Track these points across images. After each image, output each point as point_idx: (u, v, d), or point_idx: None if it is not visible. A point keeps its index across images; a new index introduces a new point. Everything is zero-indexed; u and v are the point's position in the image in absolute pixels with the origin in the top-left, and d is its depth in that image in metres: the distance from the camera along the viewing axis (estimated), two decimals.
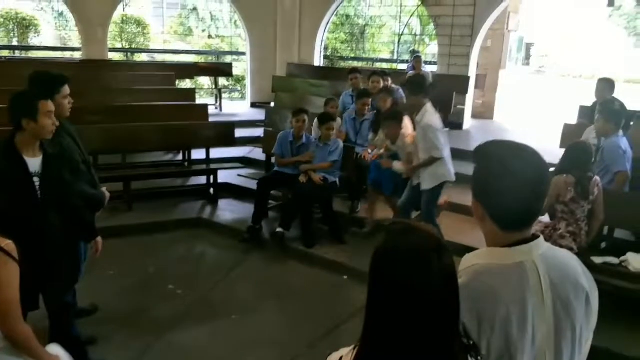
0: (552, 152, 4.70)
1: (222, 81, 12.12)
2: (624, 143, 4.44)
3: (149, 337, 3.81)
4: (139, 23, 15.59)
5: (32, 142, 2.80)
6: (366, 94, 6.15)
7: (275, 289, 4.73)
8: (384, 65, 12.88)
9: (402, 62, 12.72)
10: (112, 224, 5.42)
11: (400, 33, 13.58)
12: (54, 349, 2.30)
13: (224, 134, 6.99)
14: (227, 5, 14.20)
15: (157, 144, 6.90)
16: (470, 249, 1.48)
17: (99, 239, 3.28)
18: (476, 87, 10.28)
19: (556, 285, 1.33)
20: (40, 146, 2.86)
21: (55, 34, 15.63)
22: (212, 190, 6.68)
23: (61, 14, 14.99)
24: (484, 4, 8.91)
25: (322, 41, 11.83)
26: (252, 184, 6.07)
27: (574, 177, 3.77)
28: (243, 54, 13.29)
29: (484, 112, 11.09)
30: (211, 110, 8.90)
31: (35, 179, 2.79)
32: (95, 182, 3.68)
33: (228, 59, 13.85)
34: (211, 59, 14.35)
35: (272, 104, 9.88)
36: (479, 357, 1.20)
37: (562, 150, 4.20)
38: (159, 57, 14.70)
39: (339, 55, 14.83)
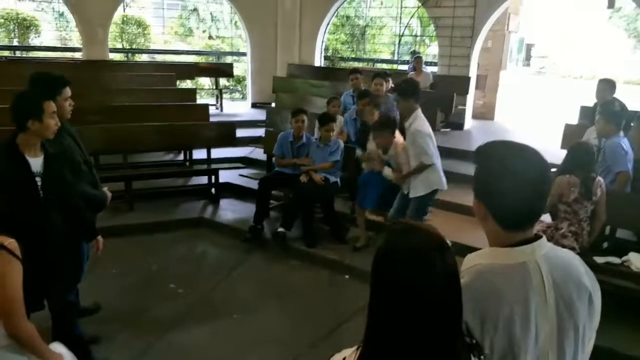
0: (553, 152, 4.71)
1: (223, 81, 12.13)
2: (625, 143, 4.45)
3: (150, 336, 3.82)
4: (139, 24, 15.60)
5: (34, 142, 2.81)
6: (367, 94, 6.15)
7: (277, 288, 4.74)
8: (384, 66, 12.89)
9: (403, 62, 12.73)
10: (113, 223, 5.43)
11: (401, 34, 13.59)
12: (57, 347, 2.31)
13: (225, 134, 7.00)
14: (227, 6, 14.20)
15: (158, 144, 6.90)
16: (471, 249, 1.48)
17: (100, 238, 3.29)
18: (477, 87, 10.29)
19: (559, 284, 1.34)
20: (42, 146, 2.87)
21: (56, 34, 15.62)
22: (213, 190, 6.69)
23: (61, 15, 14.98)
24: (484, 5, 8.91)
25: (322, 42, 11.83)
26: (254, 184, 6.07)
27: (578, 178, 3.78)
28: (243, 54, 13.29)
29: (485, 113, 11.10)
30: (212, 110, 8.90)
31: (38, 179, 2.80)
32: (97, 182, 3.68)
33: (228, 59, 13.86)
34: (212, 59, 14.35)
35: (273, 105, 9.88)
36: (482, 356, 1.20)
37: (563, 151, 4.21)
38: (160, 58, 14.69)
39: (339, 55, 14.84)
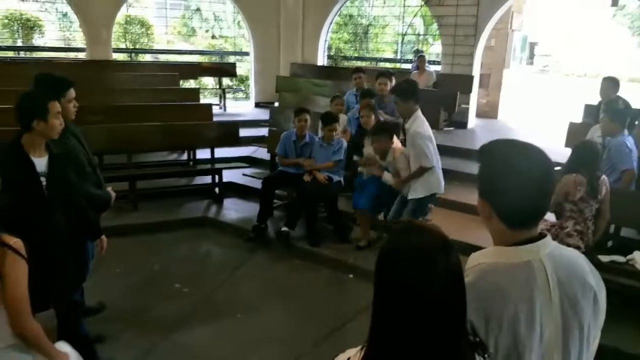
0: (557, 151, 4.70)
1: (226, 81, 12.13)
2: (629, 142, 4.44)
3: (154, 336, 3.83)
4: (142, 23, 15.64)
5: (39, 142, 2.83)
6: (370, 93, 6.13)
7: (280, 287, 4.74)
8: (387, 65, 12.87)
9: (406, 61, 12.71)
10: (117, 223, 5.45)
11: (404, 33, 13.57)
12: (63, 346, 2.32)
13: (228, 133, 7.01)
14: (230, 6, 14.21)
15: (162, 144, 6.91)
16: (476, 248, 1.48)
17: (104, 237, 3.31)
18: (480, 86, 10.26)
19: (563, 283, 1.34)
20: (46, 146, 2.88)
21: (59, 34, 15.67)
22: (217, 189, 6.70)
23: (65, 15, 15.03)
24: (487, 4, 8.89)
25: (325, 41, 11.82)
26: (257, 183, 6.08)
27: (584, 177, 3.77)
28: (247, 54, 13.30)
29: (488, 111, 11.08)
30: (215, 110, 8.91)
31: (42, 179, 2.81)
32: (101, 182, 3.70)
33: (232, 59, 13.86)
34: (215, 59, 14.36)
35: (276, 104, 9.88)
36: (486, 355, 1.20)
37: (567, 149, 4.20)
38: (163, 58, 14.71)
39: (342, 55, 14.82)
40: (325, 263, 5.12)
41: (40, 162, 2.82)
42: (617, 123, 4.43)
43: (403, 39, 13.88)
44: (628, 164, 4.40)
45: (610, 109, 4.51)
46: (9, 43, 13.80)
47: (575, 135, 5.75)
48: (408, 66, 11.14)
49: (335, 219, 5.64)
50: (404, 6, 12.98)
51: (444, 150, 7.38)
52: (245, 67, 13.95)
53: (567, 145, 5.95)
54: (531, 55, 32.61)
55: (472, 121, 9.84)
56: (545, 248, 1.35)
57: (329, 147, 5.58)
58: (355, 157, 5.72)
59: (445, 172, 6.40)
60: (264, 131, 7.76)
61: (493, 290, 1.30)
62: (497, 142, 1.42)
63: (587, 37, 31.45)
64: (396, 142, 4.90)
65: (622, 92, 5.49)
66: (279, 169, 6.03)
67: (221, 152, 7.11)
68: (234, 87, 13.41)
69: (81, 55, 11.43)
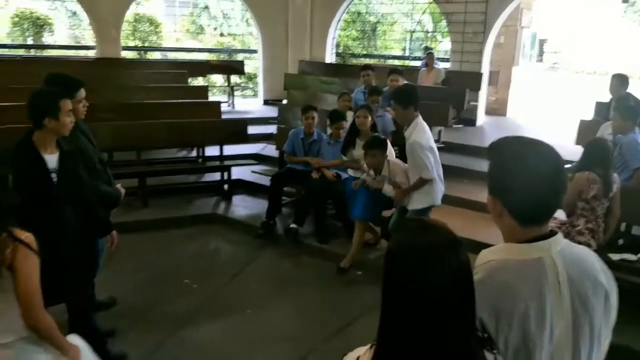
0: (567, 148, 4.66)
1: (235, 79, 12.17)
2: None
3: (164, 331, 3.85)
4: (151, 21, 15.72)
5: (50, 139, 2.85)
6: (378, 91, 6.12)
7: (289, 284, 4.75)
8: (396, 62, 12.86)
9: (414, 59, 12.68)
10: (127, 219, 5.49)
11: (412, 30, 13.52)
12: (74, 339, 2.35)
13: (237, 131, 7.02)
14: (238, 4, 14.24)
15: (171, 141, 6.95)
16: (485, 245, 1.47)
17: (114, 232, 3.33)
18: (489, 83, 10.21)
19: (574, 281, 1.33)
20: (57, 144, 2.90)
21: (69, 32, 15.79)
22: (226, 186, 6.73)
23: (75, 13, 15.14)
24: (496, 1, 8.83)
25: (333, 38, 11.81)
26: (266, 180, 6.11)
27: (597, 174, 3.74)
28: (255, 51, 13.32)
29: (498, 109, 11.03)
30: (224, 107, 8.93)
31: (53, 175, 2.84)
32: (111, 179, 3.73)
33: (240, 56, 13.91)
34: (223, 56, 14.41)
35: (285, 101, 9.90)
36: (495, 350, 1.20)
37: (577, 147, 4.17)
38: (172, 55, 14.80)
39: (350, 52, 14.80)
40: (334, 260, 5.12)
41: (51, 159, 2.85)
42: (628, 120, 4.40)
43: (412, 36, 13.84)
44: None
45: (621, 106, 4.48)
46: (20, 41, 13.92)
47: (586, 132, 5.71)
48: (417, 63, 11.10)
49: (343, 216, 5.63)
50: (413, 3, 12.95)
51: (453, 148, 7.43)
52: (253, 64, 13.98)
53: (577, 142, 5.92)
54: (540, 53, 32.35)
55: (481, 118, 9.80)
56: (557, 245, 1.35)
57: (336, 144, 5.57)
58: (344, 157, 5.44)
59: (455, 169, 6.44)
60: (272, 128, 7.77)
61: (503, 287, 1.30)
62: (507, 139, 1.42)
63: (597, 35, 31.15)
64: (391, 154, 4.73)
65: (632, 89, 5.44)
66: (287, 166, 6.04)
67: (230, 150, 7.14)
68: (243, 84, 13.45)
69: (91, 53, 11.52)
